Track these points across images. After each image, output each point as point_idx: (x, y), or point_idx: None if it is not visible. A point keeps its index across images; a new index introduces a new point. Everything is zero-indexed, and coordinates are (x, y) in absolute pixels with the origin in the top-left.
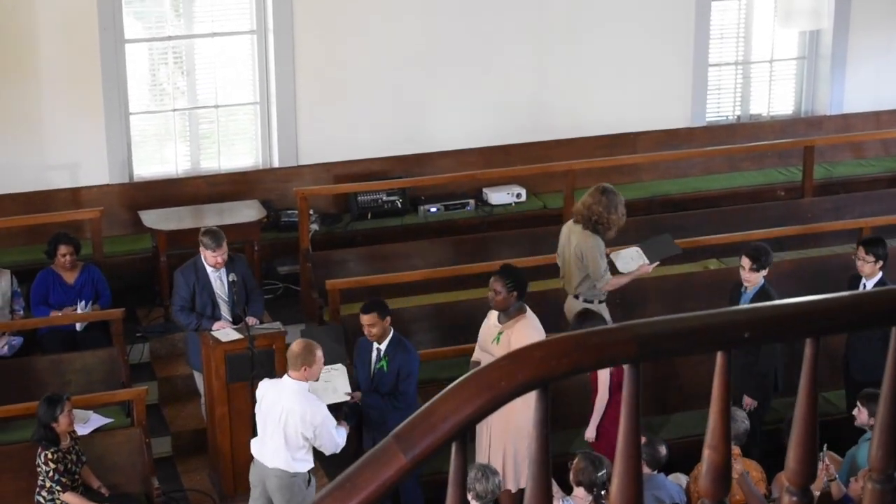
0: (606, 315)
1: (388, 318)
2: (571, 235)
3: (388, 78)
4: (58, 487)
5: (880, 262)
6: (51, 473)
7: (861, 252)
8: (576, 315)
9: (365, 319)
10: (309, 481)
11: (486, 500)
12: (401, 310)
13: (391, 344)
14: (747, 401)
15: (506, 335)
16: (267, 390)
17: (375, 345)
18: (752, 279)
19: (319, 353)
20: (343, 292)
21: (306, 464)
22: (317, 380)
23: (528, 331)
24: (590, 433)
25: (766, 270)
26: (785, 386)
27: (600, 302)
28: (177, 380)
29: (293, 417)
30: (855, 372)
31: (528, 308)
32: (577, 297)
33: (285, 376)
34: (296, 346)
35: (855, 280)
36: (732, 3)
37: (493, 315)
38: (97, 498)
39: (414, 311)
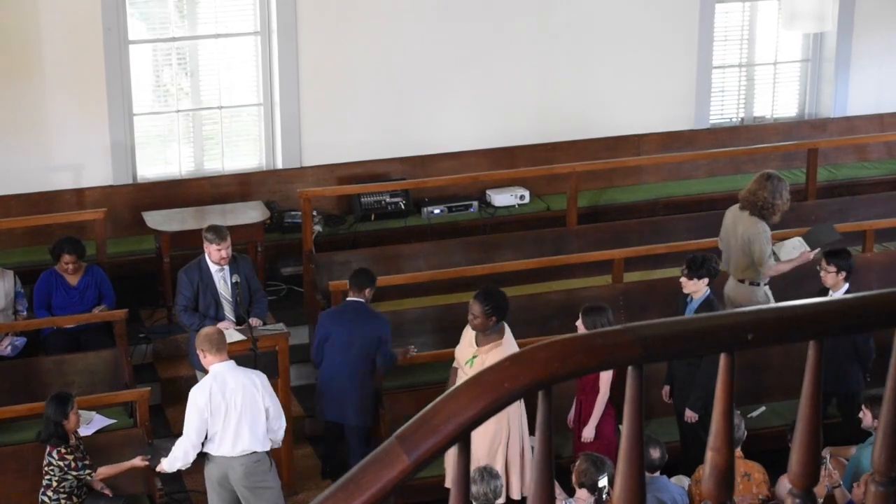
0: (770, 296)
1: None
2: (737, 222)
3: (391, 80)
4: (88, 471)
5: (843, 274)
6: (72, 465)
7: (823, 263)
8: (582, 310)
9: None
10: (271, 462)
11: (481, 502)
12: (404, 311)
13: None
14: (689, 414)
15: (480, 359)
16: (210, 389)
17: None
18: (691, 288)
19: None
20: (346, 294)
21: (267, 443)
22: None
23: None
24: (589, 432)
25: (707, 280)
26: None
27: (765, 284)
28: (180, 381)
29: (248, 389)
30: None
31: (507, 329)
32: (741, 281)
33: (214, 365)
34: (213, 330)
35: (823, 293)
36: (736, 6)
37: (469, 331)
38: (97, 495)
39: (417, 313)
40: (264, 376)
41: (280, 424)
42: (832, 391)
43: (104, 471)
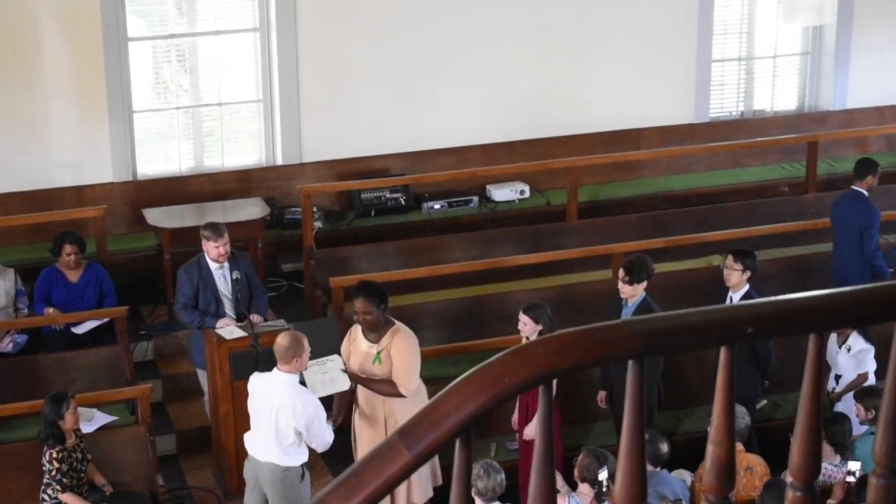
0: None
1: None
2: None
3: (390, 75)
4: (58, 487)
5: (748, 273)
6: (53, 473)
7: (730, 261)
8: (524, 308)
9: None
10: (303, 475)
11: (488, 497)
12: (405, 307)
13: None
14: None
15: (385, 352)
16: (258, 385)
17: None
18: (628, 292)
19: (306, 342)
20: (347, 290)
21: (299, 457)
22: (305, 369)
23: (406, 342)
24: (531, 430)
25: (644, 283)
26: (667, 399)
27: None
28: (181, 378)
29: (284, 411)
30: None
31: (392, 318)
32: None
33: (275, 370)
34: (283, 339)
35: (722, 292)
36: None
37: (356, 334)
38: (99, 497)
39: (418, 308)
40: (313, 406)
41: (313, 442)
42: (740, 397)
43: (69, 499)
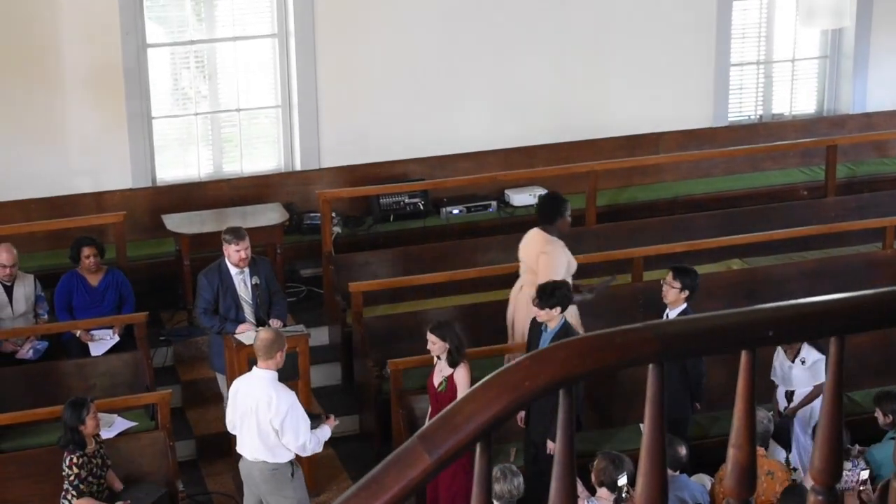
0: None
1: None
2: None
3: (409, 80)
4: (73, 493)
5: (686, 293)
6: (71, 478)
7: (669, 277)
8: (430, 327)
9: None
10: (293, 473)
11: (505, 500)
12: (423, 312)
13: None
14: (550, 446)
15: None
16: (239, 387)
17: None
18: (544, 317)
19: (284, 338)
20: (366, 294)
21: (287, 454)
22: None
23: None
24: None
25: (559, 308)
26: (586, 424)
27: None
28: (200, 383)
29: (262, 406)
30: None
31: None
32: None
33: (255, 368)
34: (266, 334)
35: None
36: (754, 3)
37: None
38: (118, 498)
39: (436, 313)
40: (288, 401)
41: (288, 442)
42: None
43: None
